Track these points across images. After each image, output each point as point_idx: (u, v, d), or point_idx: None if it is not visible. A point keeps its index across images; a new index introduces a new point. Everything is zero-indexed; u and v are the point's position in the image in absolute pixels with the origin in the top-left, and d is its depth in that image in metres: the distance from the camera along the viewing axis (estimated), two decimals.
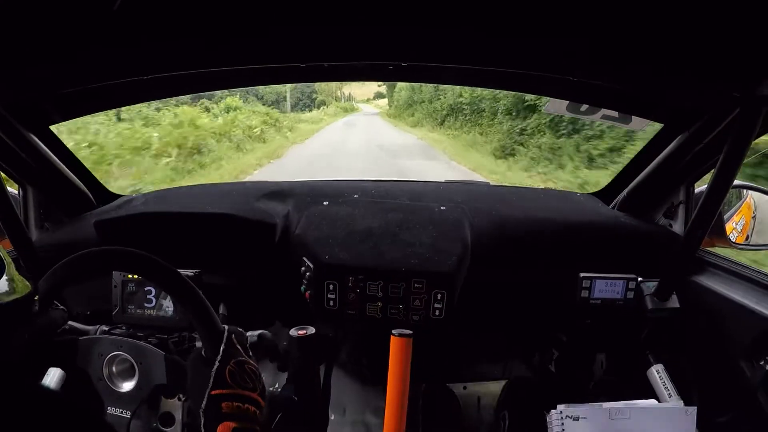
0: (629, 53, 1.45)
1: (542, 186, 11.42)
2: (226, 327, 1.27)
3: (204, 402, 1.16)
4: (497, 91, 17.65)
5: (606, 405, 1.73)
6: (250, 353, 1.24)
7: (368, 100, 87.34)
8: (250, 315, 1.99)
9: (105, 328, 1.60)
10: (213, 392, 1.16)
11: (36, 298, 1.30)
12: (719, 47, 1.39)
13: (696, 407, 1.70)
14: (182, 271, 1.34)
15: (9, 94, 1.65)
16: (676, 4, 1.24)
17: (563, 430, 1.70)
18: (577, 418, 1.70)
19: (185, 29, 1.38)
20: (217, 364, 1.20)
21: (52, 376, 1.57)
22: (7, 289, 1.07)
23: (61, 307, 1.51)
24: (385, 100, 67.29)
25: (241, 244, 2.09)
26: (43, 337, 1.40)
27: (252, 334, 1.57)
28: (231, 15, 1.34)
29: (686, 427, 1.70)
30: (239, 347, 1.23)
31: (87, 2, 1.21)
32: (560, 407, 1.73)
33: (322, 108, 58.28)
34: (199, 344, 1.55)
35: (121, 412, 1.42)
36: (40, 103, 1.90)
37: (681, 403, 1.87)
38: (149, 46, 1.43)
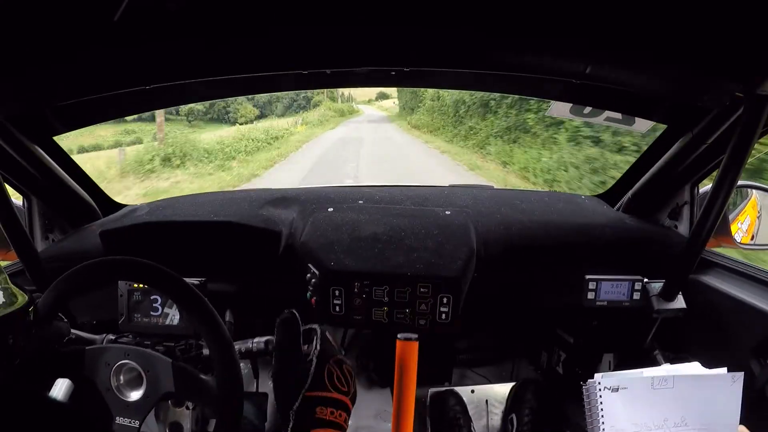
0: (632, 53, 1.45)
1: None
2: (317, 325, 1.26)
3: (297, 403, 1.13)
4: None
5: (647, 372, 1.63)
6: (344, 352, 1.22)
7: (369, 101, 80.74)
8: (256, 322, 1.99)
9: (111, 337, 1.59)
10: (309, 393, 1.14)
11: (31, 309, 1.31)
12: (722, 46, 1.39)
13: (742, 373, 1.66)
14: (188, 280, 1.34)
15: (11, 106, 1.65)
16: (680, 3, 1.24)
17: (601, 403, 1.61)
18: (616, 389, 1.59)
19: (187, 39, 1.38)
20: (314, 360, 1.17)
21: (60, 387, 1.57)
22: (4, 300, 1.07)
23: (65, 319, 1.51)
24: (390, 101, 63.60)
25: (246, 252, 2.09)
26: (48, 348, 1.39)
27: (258, 341, 1.57)
28: (232, 23, 1.35)
29: (733, 393, 1.65)
30: (335, 345, 1.21)
31: (88, 13, 1.22)
32: (598, 376, 1.55)
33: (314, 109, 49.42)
34: (206, 351, 1.55)
35: (130, 422, 1.41)
36: (43, 114, 1.91)
37: None
38: (151, 56, 1.43)
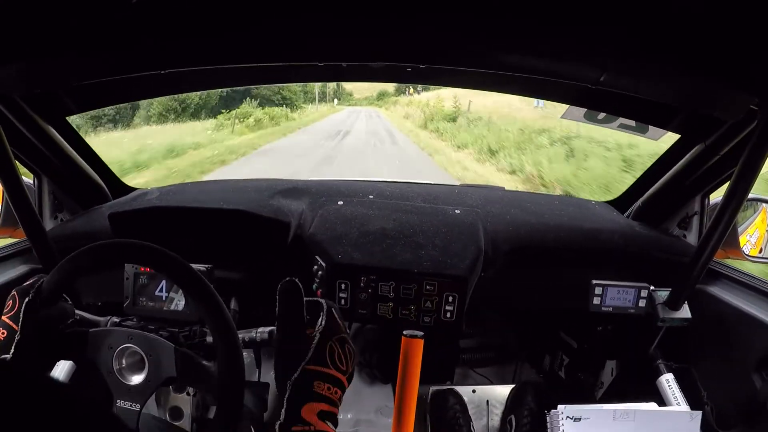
0: (648, 62, 1.45)
1: None
2: (325, 301, 1.25)
3: (296, 374, 1.13)
4: None
5: (609, 406, 1.72)
6: (349, 331, 1.21)
7: (369, 101, 76.80)
8: (260, 311, 2.00)
9: (116, 319, 1.59)
10: (309, 366, 1.14)
11: (35, 288, 1.32)
12: (739, 59, 1.39)
13: (701, 412, 1.70)
14: (194, 266, 1.34)
15: (27, 86, 1.65)
16: (698, 15, 1.24)
17: (563, 431, 1.70)
18: (578, 419, 1.68)
19: (204, 24, 1.38)
20: (317, 336, 1.17)
21: (62, 368, 1.58)
22: None
23: (70, 301, 1.51)
24: (399, 107, 52.07)
25: (255, 241, 2.09)
26: (52, 329, 1.39)
27: (262, 331, 1.57)
28: (249, 10, 1.35)
29: (691, 431, 1.69)
30: (341, 323, 1.20)
31: None
32: (561, 407, 1.71)
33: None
34: (210, 339, 1.55)
35: (131, 405, 1.41)
36: (57, 94, 1.91)
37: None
38: (167, 41, 1.43)
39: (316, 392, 1.10)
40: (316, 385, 1.11)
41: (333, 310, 1.22)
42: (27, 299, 1.32)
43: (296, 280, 1.27)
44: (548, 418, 1.74)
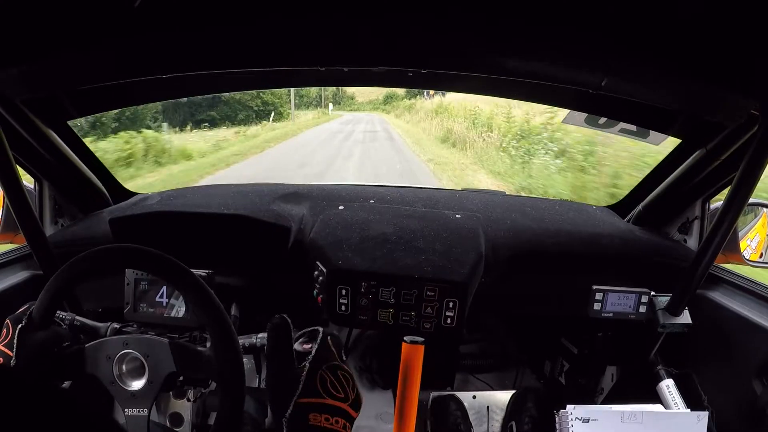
0: (649, 67, 1.45)
1: None
2: (321, 328, 1.24)
3: (289, 410, 1.11)
4: None
5: (617, 408, 1.73)
6: (345, 358, 1.20)
7: (374, 106, 65.38)
8: (261, 317, 1.99)
9: (116, 325, 1.59)
10: (301, 400, 1.12)
11: (25, 317, 1.33)
12: (739, 63, 1.39)
13: (707, 413, 1.70)
14: (195, 271, 1.34)
15: (28, 89, 1.65)
16: (698, 20, 1.24)
17: (572, 431, 1.70)
18: (587, 420, 1.69)
19: (204, 29, 1.39)
20: (307, 366, 1.16)
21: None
22: None
23: (66, 315, 1.52)
24: (413, 115, 38.00)
25: (255, 246, 2.09)
26: (47, 354, 1.39)
27: (262, 337, 1.57)
28: (250, 15, 1.35)
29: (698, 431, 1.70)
30: (334, 350, 1.19)
31: None
32: (570, 407, 1.72)
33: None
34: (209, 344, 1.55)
35: (138, 411, 1.42)
36: (58, 98, 1.91)
37: None
38: (169, 45, 1.44)
39: (313, 425, 1.09)
40: (312, 418, 1.09)
41: (328, 339, 1.21)
42: (20, 326, 1.33)
43: (285, 316, 1.27)
44: (557, 419, 1.75)
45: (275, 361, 1.24)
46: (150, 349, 1.41)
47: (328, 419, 1.10)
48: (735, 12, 1.22)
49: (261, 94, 34.86)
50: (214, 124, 30.76)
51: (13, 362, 1.31)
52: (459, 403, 2.26)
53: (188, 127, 28.14)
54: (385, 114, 55.57)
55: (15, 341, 1.31)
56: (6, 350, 1.34)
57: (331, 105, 61.29)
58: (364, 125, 39.39)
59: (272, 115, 36.80)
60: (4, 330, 1.37)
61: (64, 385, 1.65)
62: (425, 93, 38.67)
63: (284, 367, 1.22)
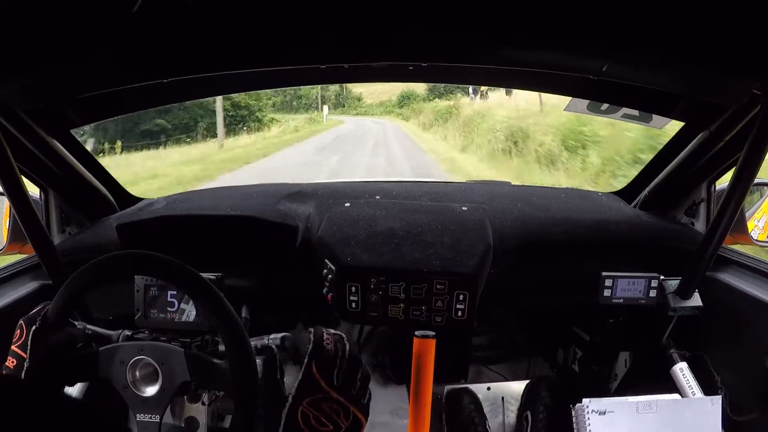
0: (649, 51, 1.45)
1: None
2: (309, 352, 1.19)
3: None
4: None
5: (632, 399, 1.74)
6: (337, 381, 1.17)
7: (386, 108, 53.23)
8: (272, 317, 1.99)
9: (128, 332, 1.60)
10: None
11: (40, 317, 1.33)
12: (739, 43, 1.39)
13: (720, 397, 1.71)
14: (204, 275, 1.34)
15: (30, 99, 1.66)
16: (696, 1, 1.24)
17: (589, 424, 1.71)
18: (603, 413, 1.71)
19: (204, 32, 1.39)
20: (290, 401, 1.14)
21: (74, 388, 1.58)
22: None
23: (77, 324, 1.52)
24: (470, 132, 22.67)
25: (263, 247, 2.09)
26: (61, 355, 1.40)
27: (274, 337, 1.57)
28: (248, 16, 1.35)
29: (713, 416, 1.71)
30: (321, 380, 1.14)
31: (107, 5, 1.22)
32: (586, 401, 1.74)
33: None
34: (222, 348, 1.56)
35: (150, 417, 1.42)
36: (61, 107, 1.91)
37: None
38: (169, 49, 1.44)
39: None
40: None
41: (313, 364, 1.18)
42: (34, 327, 1.33)
43: (273, 347, 1.27)
44: (573, 413, 1.76)
45: (264, 392, 1.24)
46: (165, 356, 1.42)
47: None
48: None
49: (234, 96, 25.35)
50: (158, 138, 23.75)
51: (26, 364, 1.31)
52: (473, 395, 2.26)
53: (117, 145, 21.72)
54: (399, 119, 43.80)
55: (29, 343, 1.32)
56: (20, 351, 1.35)
57: (326, 109, 46.32)
58: (372, 143, 26.30)
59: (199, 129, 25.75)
60: (18, 331, 1.38)
61: (77, 388, 1.66)
62: (471, 90, 27.74)
63: (271, 398, 1.22)
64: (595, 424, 1.70)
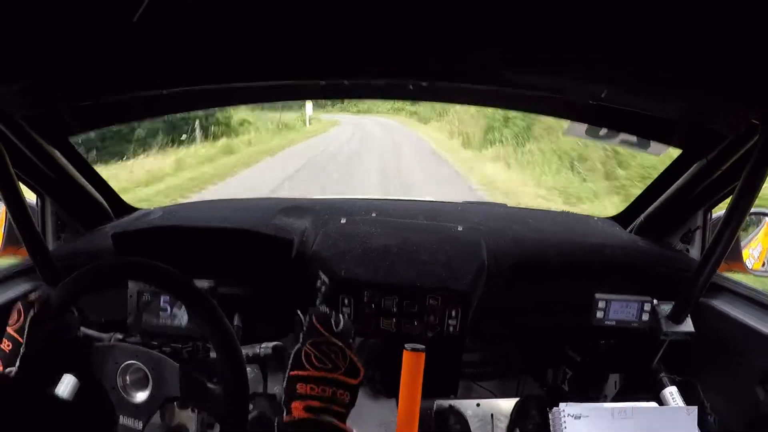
0: (649, 78, 1.45)
1: None
2: (311, 309, 1.28)
3: (284, 382, 1.20)
4: None
5: (608, 405, 1.78)
6: (337, 329, 1.24)
7: (395, 110, 40.57)
8: (264, 326, 2.00)
9: (119, 336, 1.60)
10: (291, 373, 1.20)
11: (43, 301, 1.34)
12: (739, 73, 1.39)
13: (696, 407, 1.72)
14: (198, 282, 1.35)
15: (28, 106, 1.67)
16: (698, 29, 1.25)
17: (565, 428, 1.73)
18: (578, 417, 1.73)
19: (204, 44, 1.39)
20: (298, 345, 1.22)
21: (66, 385, 1.58)
22: None
23: (76, 313, 1.52)
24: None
25: (258, 259, 2.09)
26: (57, 340, 1.41)
27: (266, 346, 1.58)
28: (248, 30, 1.36)
29: (688, 426, 1.71)
30: (320, 327, 1.23)
31: (107, 13, 1.23)
32: (562, 405, 1.77)
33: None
34: (213, 354, 1.56)
35: (134, 422, 1.42)
36: (59, 114, 1.93)
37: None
38: (168, 60, 1.44)
39: (299, 393, 1.18)
40: (299, 387, 1.18)
41: (313, 317, 1.24)
42: (32, 312, 1.34)
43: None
44: (550, 416, 1.78)
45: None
46: (159, 367, 1.42)
47: (313, 388, 1.18)
48: (735, 20, 1.23)
49: None
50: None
51: (23, 349, 1.32)
52: (459, 416, 2.26)
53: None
54: (417, 123, 33.16)
55: (26, 327, 1.34)
56: (16, 335, 1.35)
57: (309, 106, 31.33)
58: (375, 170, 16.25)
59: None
60: (15, 314, 1.38)
61: (69, 388, 1.66)
62: None
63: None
64: (570, 427, 1.74)
